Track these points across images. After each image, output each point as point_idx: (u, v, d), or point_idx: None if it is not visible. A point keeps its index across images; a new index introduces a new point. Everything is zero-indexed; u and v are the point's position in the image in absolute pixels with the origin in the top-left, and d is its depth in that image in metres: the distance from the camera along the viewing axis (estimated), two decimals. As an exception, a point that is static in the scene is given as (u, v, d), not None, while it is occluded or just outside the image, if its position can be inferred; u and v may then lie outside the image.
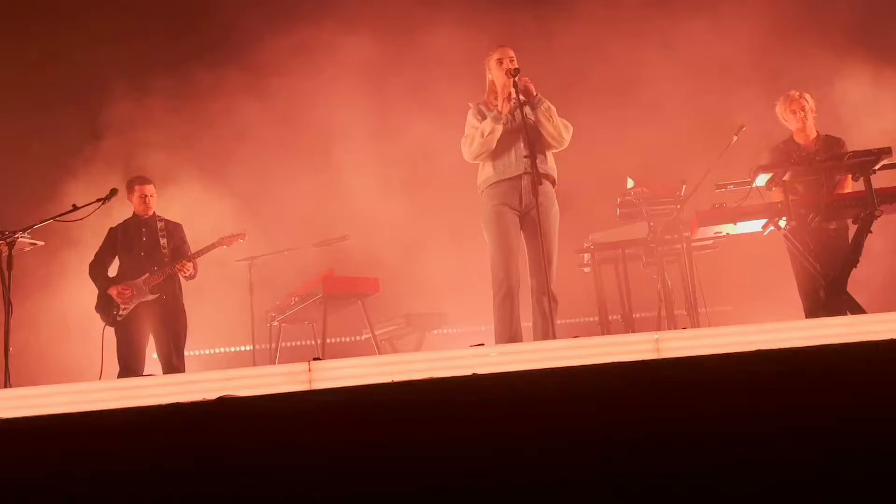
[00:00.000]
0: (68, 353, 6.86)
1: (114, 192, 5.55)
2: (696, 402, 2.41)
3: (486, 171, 4.87)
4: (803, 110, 5.29)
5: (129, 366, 5.63)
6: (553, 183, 4.88)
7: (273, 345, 7.10)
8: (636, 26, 7.69)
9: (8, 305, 4.91)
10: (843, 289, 4.69)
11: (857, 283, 4.81)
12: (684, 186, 5.96)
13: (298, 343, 7.92)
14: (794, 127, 5.37)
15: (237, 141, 7.83)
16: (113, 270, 5.91)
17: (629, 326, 6.31)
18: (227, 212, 7.12)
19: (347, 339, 8.11)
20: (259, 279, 6.87)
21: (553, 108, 4.85)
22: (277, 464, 2.25)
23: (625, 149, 7.32)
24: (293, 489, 2.17)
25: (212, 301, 6.75)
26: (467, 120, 4.96)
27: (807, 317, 5.03)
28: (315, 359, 3.44)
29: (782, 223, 4.82)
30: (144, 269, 5.78)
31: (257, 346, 6.92)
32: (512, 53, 4.88)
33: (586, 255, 6.41)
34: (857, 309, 4.65)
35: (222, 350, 8.05)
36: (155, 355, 5.88)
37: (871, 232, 4.67)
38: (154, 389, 3.39)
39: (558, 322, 4.65)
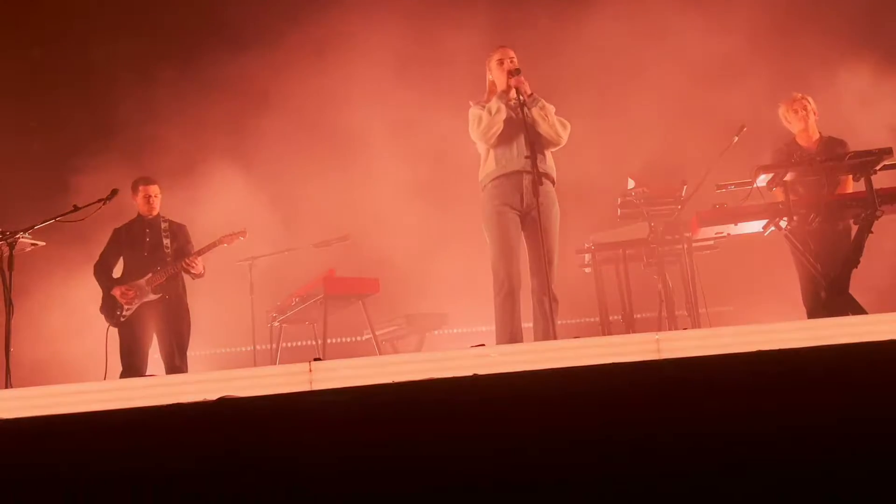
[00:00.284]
0: (70, 354, 6.87)
1: (114, 192, 5.52)
2: (697, 402, 2.41)
3: (489, 165, 4.87)
4: (805, 111, 5.31)
5: (132, 366, 5.62)
6: (552, 182, 4.88)
7: (274, 345, 7.10)
8: (637, 26, 7.69)
9: (9, 305, 4.91)
10: (844, 289, 4.70)
11: (865, 285, 4.81)
12: (685, 187, 5.97)
13: (299, 343, 7.92)
14: (796, 129, 5.38)
15: (246, 140, 7.84)
16: (118, 271, 5.92)
17: (630, 327, 6.30)
18: (229, 211, 7.11)
19: (348, 340, 8.11)
20: (260, 279, 6.87)
21: (550, 107, 4.85)
22: (278, 464, 2.25)
23: (626, 149, 7.32)
24: (294, 489, 2.17)
25: (212, 301, 6.75)
26: (470, 113, 4.95)
27: (809, 317, 5.03)
28: (316, 359, 3.43)
29: (783, 223, 4.82)
30: (148, 269, 5.78)
31: (258, 347, 6.91)
32: (512, 54, 4.88)
33: (587, 255, 6.41)
34: (858, 309, 4.65)
35: (223, 350, 8.05)
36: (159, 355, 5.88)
37: (872, 232, 4.67)
38: (155, 390, 3.39)
39: (559, 322, 4.65)
